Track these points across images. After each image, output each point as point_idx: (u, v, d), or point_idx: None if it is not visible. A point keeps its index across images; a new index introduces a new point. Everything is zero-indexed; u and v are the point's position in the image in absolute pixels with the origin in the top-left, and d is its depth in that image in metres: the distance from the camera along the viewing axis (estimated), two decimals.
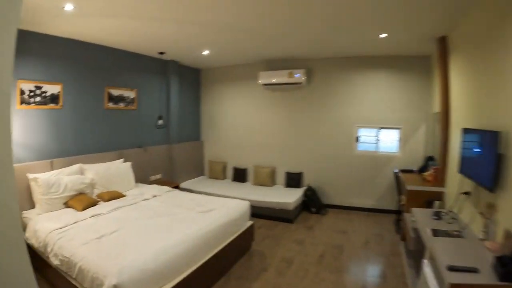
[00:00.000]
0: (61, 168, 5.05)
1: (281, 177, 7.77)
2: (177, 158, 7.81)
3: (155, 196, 5.49)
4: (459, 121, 4.26)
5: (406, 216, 4.59)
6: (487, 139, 3.03)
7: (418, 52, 6.13)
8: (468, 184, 3.60)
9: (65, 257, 3.32)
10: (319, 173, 7.34)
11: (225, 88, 8.45)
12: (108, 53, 6.02)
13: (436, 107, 5.41)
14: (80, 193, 4.87)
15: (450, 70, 4.75)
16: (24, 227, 4.29)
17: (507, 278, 2.18)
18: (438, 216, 3.76)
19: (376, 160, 6.86)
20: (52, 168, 4.97)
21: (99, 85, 5.92)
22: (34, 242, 3.94)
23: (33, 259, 4.06)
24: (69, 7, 3.83)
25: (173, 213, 4.52)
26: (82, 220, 4.16)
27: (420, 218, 3.81)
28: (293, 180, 7.47)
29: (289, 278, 4.16)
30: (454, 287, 2.22)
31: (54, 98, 5.12)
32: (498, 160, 2.76)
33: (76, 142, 5.52)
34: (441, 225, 3.48)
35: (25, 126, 4.74)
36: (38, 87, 4.88)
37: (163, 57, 7.04)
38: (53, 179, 4.63)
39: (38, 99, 4.89)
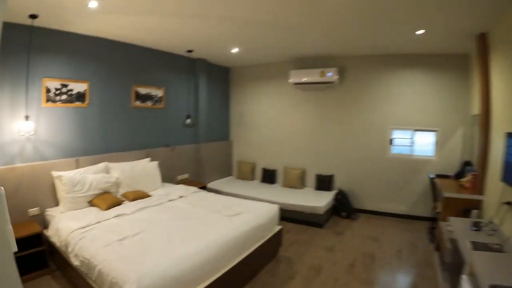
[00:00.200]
0: (86, 166, 4.99)
1: (311, 180, 7.47)
2: (205, 157, 7.65)
3: (181, 197, 5.32)
4: (501, 124, 3.83)
5: (442, 224, 4.24)
6: None
7: (456, 50, 5.70)
8: None
9: (85, 258, 3.20)
10: (350, 176, 7.00)
11: (255, 87, 8.23)
12: (135, 51, 5.94)
13: (475, 109, 4.95)
14: (105, 192, 4.79)
15: (490, 69, 4.32)
16: (47, 225, 4.31)
17: None
18: (477, 227, 3.38)
19: (411, 164, 6.45)
20: (77, 166, 4.92)
21: (126, 83, 5.85)
22: (56, 240, 3.89)
23: (55, 257, 4.05)
24: (93, 4, 3.73)
25: (198, 216, 4.31)
26: (105, 220, 4.05)
27: (457, 228, 3.48)
28: (323, 182, 7.16)
29: None
30: None
31: (80, 96, 5.06)
32: None
33: (102, 141, 5.45)
34: (481, 237, 3.13)
35: (50, 124, 4.70)
36: (64, 85, 4.84)
37: (192, 55, 6.89)
38: (78, 178, 4.57)
39: (64, 97, 4.84)
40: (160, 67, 6.54)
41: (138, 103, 6.08)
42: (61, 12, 4.00)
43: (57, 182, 4.53)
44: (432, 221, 5.72)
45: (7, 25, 4.07)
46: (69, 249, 3.51)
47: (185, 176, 7.22)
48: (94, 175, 4.81)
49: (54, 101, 4.72)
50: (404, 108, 6.40)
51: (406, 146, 6.51)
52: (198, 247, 3.24)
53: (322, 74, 6.60)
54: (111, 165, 5.30)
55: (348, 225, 6.16)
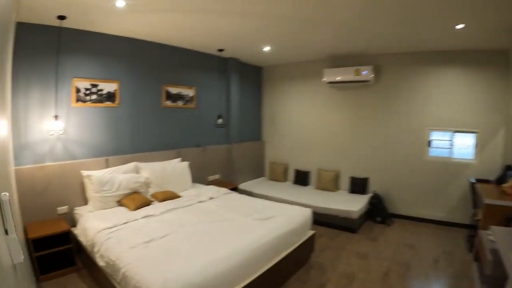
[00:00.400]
0: (116, 166, 4.97)
1: (345, 182, 7.13)
2: (236, 158, 7.51)
3: (211, 198, 5.17)
4: None
5: (482, 233, 3.88)
6: None
7: (495, 45, 5.21)
8: None
9: (111, 260, 3.11)
10: (385, 179, 6.61)
11: (288, 86, 8.00)
12: (165, 50, 5.88)
13: None
14: (134, 192, 4.74)
15: None
16: (75, 223, 4.31)
17: None
18: None
19: (449, 167, 5.97)
20: (107, 166, 4.90)
21: (156, 83, 5.81)
22: (83, 239, 3.88)
23: (82, 256, 3.99)
24: (120, 3, 3.66)
25: (228, 219, 4.12)
26: (133, 220, 3.98)
27: (500, 238, 3.17)
28: (357, 186, 6.83)
29: None
30: None
31: (110, 96, 5.05)
32: None
33: (132, 140, 5.43)
34: None
35: (80, 124, 4.71)
36: (94, 85, 4.84)
37: (223, 54, 6.76)
38: (107, 177, 4.55)
39: (94, 97, 4.84)
40: (191, 67, 6.45)
41: (169, 102, 6.01)
42: (88, 12, 3.99)
43: (86, 181, 4.53)
44: (471, 229, 5.25)
45: (36, 27, 4.16)
46: (95, 249, 3.46)
47: (216, 176, 7.11)
48: (123, 174, 4.78)
49: (84, 101, 4.72)
50: (442, 108, 5.98)
51: (444, 148, 6.05)
52: (226, 253, 3.06)
53: (357, 72, 6.32)
54: (141, 165, 5.25)
55: (382, 231, 5.81)
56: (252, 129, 8.30)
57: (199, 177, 6.43)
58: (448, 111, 5.90)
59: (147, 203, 4.64)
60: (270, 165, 8.34)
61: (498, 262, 2.96)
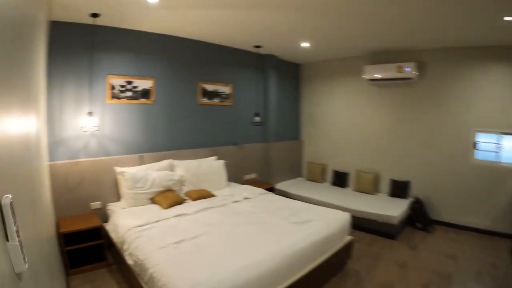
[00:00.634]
0: (150, 163, 4.95)
1: (385, 185, 6.70)
2: (273, 157, 7.32)
3: (246, 198, 4.99)
4: None
5: None
6: None
7: None
8: None
9: (139, 259, 3.04)
10: (427, 183, 6.12)
11: (327, 84, 7.68)
12: (201, 47, 5.80)
13: None
14: (168, 190, 4.68)
15: None
16: (107, 219, 4.32)
17: None
18: None
19: (496, 172, 5.39)
20: (141, 163, 4.89)
21: (192, 80, 5.74)
22: (114, 236, 3.88)
23: (113, 251, 3.93)
24: None
25: (263, 221, 3.92)
26: (165, 219, 3.89)
27: None
28: (398, 189, 6.38)
29: None
30: None
31: (145, 93, 5.04)
32: None
33: (167, 138, 5.39)
34: None
35: (115, 120, 4.73)
36: (129, 82, 4.84)
37: (260, 51, 6.60)
38: (141, 174, 4.51)
39: (129, 94, 4.85)
40: (228, 64, 6.35)
41: (205, 100, 5.94)
42: (121, 9, 3.97)
43: (119, 177, 4.52)
44: None
45: (70, 25, 4.20)
46: (125, 247, 3.41)
47: (252, 176, 6.96)
48: (157, 172, 4.73)
49: (118, 98, 4.74)
50: (490, 108, 5.41)
51: (491, 151, 5.49)
52: (259, 258, 2.87)
53: (399, 69, 5.95)
54: (176, 162, 5.19)
55: (423, 238, 5.38)
56: (290, 128, 8.05)
57: (234, 176, 6.31)
58: (496, 111, 5.36)
59: (180, 202, 4.56)
60: (308, 165, 8.08)
61: None
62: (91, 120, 4.28)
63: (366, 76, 6.32)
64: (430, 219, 5.88)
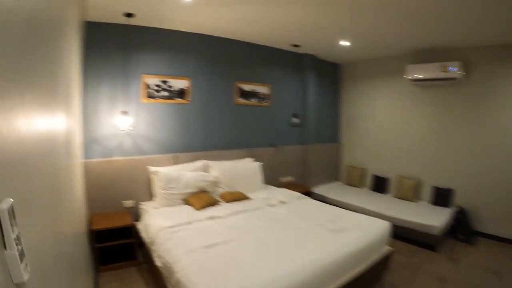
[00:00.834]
0: (185, 163, 4.91)
1: (427, 192, 6.25)
2: (311, 160, 7.09)
3: (282, 202, 4.79)
4: None
5: None
6: None
7: None
8: None
9: (167, 262, 2.96)
10: (473, 191, 5.61)
11: (367, 84, 7.37)
12: (237, 46, 5.71)
13: None
14: (202, 191, 4.60)
15: None
16: (139, 218, 4.33)
17: None
18: None
19: None
20: (175, 163, 4.86)
21: (229, 80, 5.67)
22: (144, 235, 3.86)
23: (143, 250, 4.03)
24: None
25: (298, 228, 3.70)
26: (197, 221, 3.80)
27: None
28: (440, 197, 5.92)
29: None
30: None
31: (181, 93, 5.02)
32: None
33: (203, 138, 5.34)
34: None
35: (150, 120, 4.75)
36: (164, 82, 4.84)
37: (298, 50, 6.43)
38: (174, 174, 4.47)
39: (164, 93, 4.85)
40: (265, 63, 6.21)
41: (242, 100, 5.84)
42: (156, 8, 3.97)
43: (153, 177, 4.50)
44: None
45: (105, 25, 4.27)
46: (154, 248, 3.38)
47: (289, 178, 6.76)
48: (191, 172, 4.67)
49: (153, 97, 4.75)
50: None
51: None
52: (292, 269, 2.67)
53: (444, 68, 5.54)
54: (211, 163, 5.12)
55: (465, 251, 4.95)
56: (329, 130, 7.77)
57: (271, 178, 6.13)
58: None
59: (214, 204, 4.46)
60: (347, 168, 7.78)
61: None
62: (126, 119, 4.30)
63: (409, 76, 5.97)
64: (473, 231, 5.43)
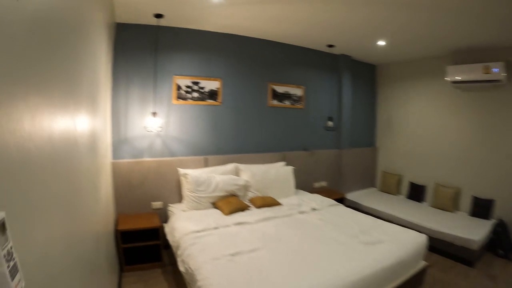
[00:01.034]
0: (215, 166, 4.84)
1: (466, 202, 5.77)
2: (346, 165, 6.83)
3: (314, 209, 4.60)
4: None
5: None
6: None
7: None
8: None
9: (190, 268, 2.87)
10: None
11: (405, 86, 7.00)
12: (270, 47, 5.58)
13: None
14: (232, 195, 4.51)
15: None
16: (167, 220, 4.30)
17: None
18: None
19: None
20: (206, 165, 4.80)
21: (261, 81, 5.55)
22: (170, 238, 3.83)
23: (169, 253, 3.98)
24: None
25: (329, 238, 3.51)
26: (225, 226, 3.71)
27: None
28: (480, 208, 5.44)
29: None
30: None
31: (212, 94, 4.96)
32: None
33: (234, 140, 5.26)
34: None
35: (180, 121, 4.72)
36: (195, 83, 4.80)
37: (333, 50, 6.20)
38: (204, 177, 4.40)
39: (195, 94, 4.81)
40: (299, 64, 6.03)
41: (274, 102, 5.69)
42: (185, 9, 3.94)
43: (182, 179, 4.45)
44: None
45: (134, 26, 4.29)
46: (179, 252, 3.31)
47: (323, 184, 6.52)
48: (221, 175, 4.58)
49: (184, 99, 4.72)
50: None
51: None
52: (321, 284, 2.52)
53: (486, 70, 5.14)
54: (242, 166, 5.01)
55: (504, 268, 4.53)
56: (365, 134, 7.48)
57: (303, 183, 5.95)
58: None
59: (243, 209, 4.35)
60: (382, 174, 7.45)
61: None
62: (156, 120, 4.28)
63: (449, 78, 5.62)
64: None
